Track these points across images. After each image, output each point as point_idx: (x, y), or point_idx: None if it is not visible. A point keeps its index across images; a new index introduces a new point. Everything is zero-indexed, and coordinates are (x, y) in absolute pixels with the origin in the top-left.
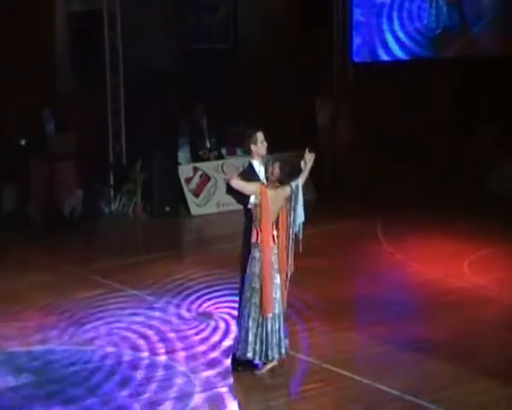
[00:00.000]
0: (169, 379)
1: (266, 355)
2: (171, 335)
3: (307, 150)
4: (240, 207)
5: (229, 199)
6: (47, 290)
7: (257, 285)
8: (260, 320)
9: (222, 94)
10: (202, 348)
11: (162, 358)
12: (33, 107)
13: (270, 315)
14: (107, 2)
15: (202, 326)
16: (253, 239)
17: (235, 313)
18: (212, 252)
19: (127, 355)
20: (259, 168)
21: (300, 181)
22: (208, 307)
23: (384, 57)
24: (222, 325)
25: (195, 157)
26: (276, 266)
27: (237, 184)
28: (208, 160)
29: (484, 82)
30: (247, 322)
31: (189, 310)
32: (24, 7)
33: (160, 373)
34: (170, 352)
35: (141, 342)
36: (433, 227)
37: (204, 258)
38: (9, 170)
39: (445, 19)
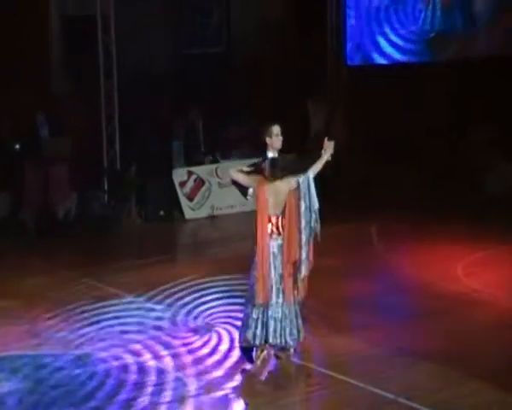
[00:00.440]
0: (165, 383)
1: (266, 340)
2: (167, 339)
3: (326, 139)
4: (233, 211)
5: (224, 203)
6: (42, 295)
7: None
8: (261, 308)
9: (216, 97)
10: (199, 352)
11: (158, 362)
12: (27, 111)
13: (260, 302)
14: (101, 6)
15: (198, 329)
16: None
17: (231, 317)
18: (206, 256)
19: (122, 359)
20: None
21: (311, 173)
22: (203, 311)
23: (378, 60)
24: (221, 331)
25: (190, 161)
26: (279, 257)
27: (236, 175)
28: (203, 163)
29: (479, 83)
30: (248, 308)
31: (184, 315)
32: (18, 11)
33: (156, 377)
34: (166, 356)
35: (137, 346)
36: (428, 230)
37: (198, 262)
38: (3, 174)
39: (440, 22)
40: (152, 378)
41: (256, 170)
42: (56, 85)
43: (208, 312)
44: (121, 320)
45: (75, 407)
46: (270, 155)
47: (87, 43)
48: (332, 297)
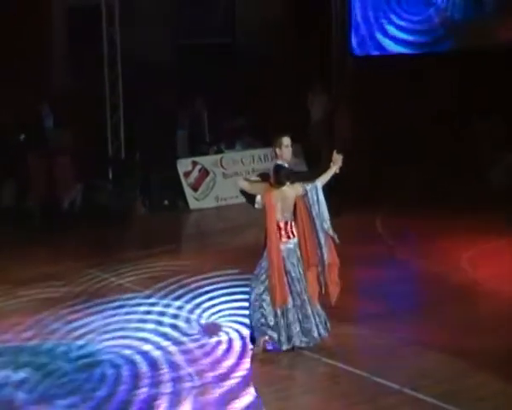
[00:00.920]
0: (170, 373)
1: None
2: (170, 331)
3: (335, 152)
4: (239, 201)
5: (228, 193)
6: (47, 285)
7: (262, 277)
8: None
9: (221, 88)
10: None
11: (161, 353)
12: (32, 102)
13: (279, 306)
14: None
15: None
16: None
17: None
18: (210, 246)
19: (124, 350)
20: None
21: (319, 183)
22: (205, 302)
23: (383, 50)
24: (232, 327)
25: (195, 151)
26: (292, 260)
27: (242, 184)
28: (207, 154)
29: (483, 73)
30: (250, 308)
31: (186, 304)
32: (22, 2)
33: (162, 368)
34: (169, 346)
35: (140, 336)
36: (433, 221)
37: (204, 252)
38: (8, 165)
39: (458, 9)
40: (162, 371)
41: (262, 179)
42: (61, 76)
43: (211, 305)
44: (124, 311)
45: (80, 396)
46: (280, 164)
47: (91, 34)
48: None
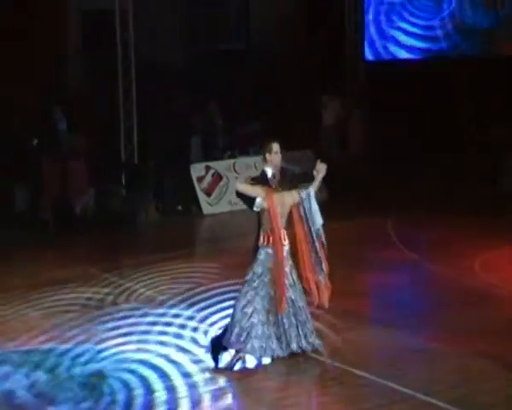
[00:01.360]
0: (175, 375)
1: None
2: (179, 332)
3: (319, 161)
4: None
5: None
6: (59, 289)
7: (255, 284)
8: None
9: (235, 93)
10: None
11: (170, 356)
12: (45, 106)
13: (282, 310)
14: (120, 1)
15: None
16: (260, 242)
17: None
18: (223, 252)
19: (136, 355)
20: (271, 176)
21: (312, 190)
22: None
23: (395, 55)
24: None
25: (208, 156)
26: (286, 268)
27: (243, 187)
28: (221, 159)
29: (498, 79)
30: (237, 314)
31: (198, 313)
32: (36, 7)
33: (169, 371)
34: (176, 351)
35: (151, 339)
36: (446, 225)
37: (217, 257)
38: (22, 170)
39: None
40: (165, 374)
41: (261, 181)
42: (74, 81)
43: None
44: (137, 316)
45: (91, 401)
46: (269, 170)
47: (105, 39)
48: (347, 292)
